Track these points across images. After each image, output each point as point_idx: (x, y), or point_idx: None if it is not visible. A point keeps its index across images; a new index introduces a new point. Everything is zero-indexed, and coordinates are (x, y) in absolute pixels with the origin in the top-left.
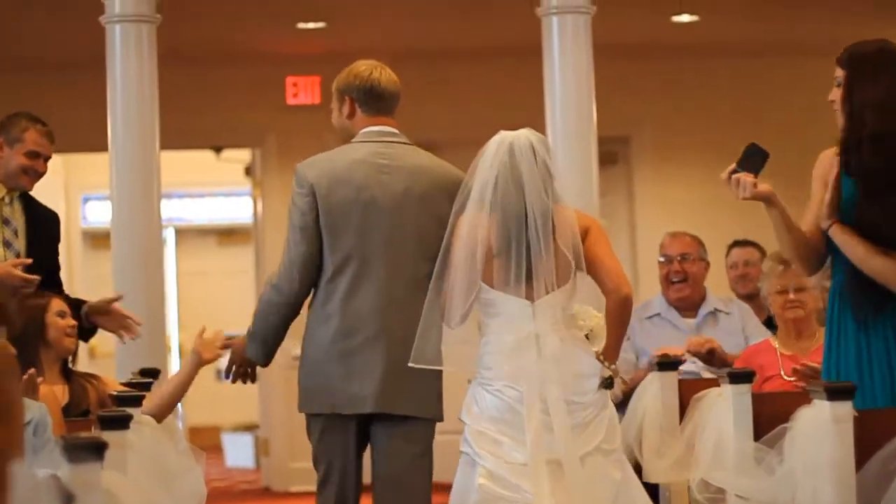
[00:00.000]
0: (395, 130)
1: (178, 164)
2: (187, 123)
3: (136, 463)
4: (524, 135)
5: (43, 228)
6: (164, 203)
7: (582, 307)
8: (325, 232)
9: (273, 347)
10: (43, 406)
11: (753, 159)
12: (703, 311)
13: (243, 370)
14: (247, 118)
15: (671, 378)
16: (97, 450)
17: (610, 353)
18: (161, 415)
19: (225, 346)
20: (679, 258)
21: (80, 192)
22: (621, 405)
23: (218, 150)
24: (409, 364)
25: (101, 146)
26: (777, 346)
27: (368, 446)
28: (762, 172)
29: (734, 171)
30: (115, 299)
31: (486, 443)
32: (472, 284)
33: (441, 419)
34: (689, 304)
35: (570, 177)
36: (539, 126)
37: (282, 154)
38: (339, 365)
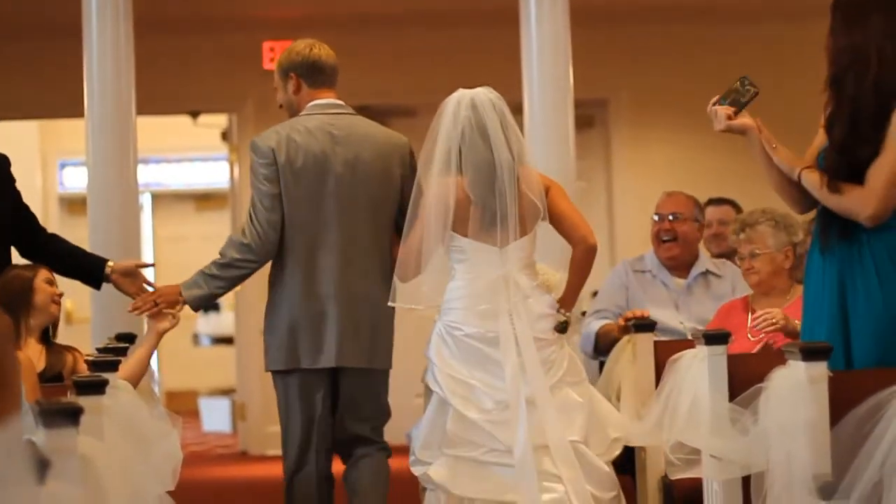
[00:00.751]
0: (341, 102)
1: (154, 129)
2: (164, 89)
3: (112, 428)
4: (482, 91)
5: None
6: (140, 168)
7: (539, 265)
8: (284, 198)
9: (218, 298)
10: None
11: (739, 93)
12: (695, 272)
13: (163, 304)
14: (223, 83)
15: (647, 340)
16: (73, 415)
17: (568, 301)
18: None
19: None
20: (670, 217)
21: (56, 157)
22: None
23: (195, 115)
24: (389, 303)
25: (77, 112)
26: (751, 303)
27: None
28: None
29: (717, 103)
30: (146, 265)
31: (458, 386)
32: (437, 242)
33: (391, 367)
34: (679, 264)
35: (547, 140)
36: (516, 89)
37: (258, 119)
38: (302, 324)
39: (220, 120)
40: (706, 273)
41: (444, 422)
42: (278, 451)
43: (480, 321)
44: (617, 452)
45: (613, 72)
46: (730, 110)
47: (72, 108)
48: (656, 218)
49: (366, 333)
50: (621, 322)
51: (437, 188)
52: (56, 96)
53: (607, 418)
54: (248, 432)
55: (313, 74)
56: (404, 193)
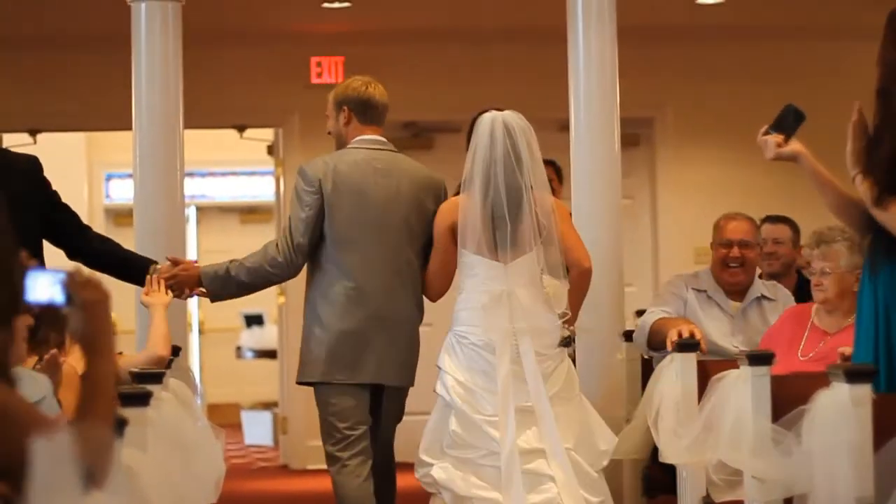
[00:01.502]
0: (384, 139)
1: (201, 142)
2: (211, 102)
3: (155, 439)
4: (511, 115)
5: (8, 180)
6: (186, 181)
7: (545, 277)
8: (329, 223)
9: (235, 296)
10: (48, 382)
11: (788, 121)
12: (750, 297)
13: (178, 287)
14: (270, 98)
15: (690, 360)
16: (118, 427)
17: (570, 319)
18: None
19: (174, 263)
20: (738, 243)
21: (102, 169)
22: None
23: (241, 129)
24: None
25: (124, 124)
26: (813, 316)
27: None
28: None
29: (767, 132)
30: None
31: (462, 391)
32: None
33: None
34: (738, 289)
35: (593, 158)
36: (562, 106)
37: (305, 133)
38: (339, 340)
39: (266, 134)
40: (760, 298)
41: (446, 426)
42: (319, 465)
43: (484, 332)
44: (605, 463)
45: (659, 91)
46: (779, 138)
47: (118, 120)
48: (721, 242)
49: (403, 352)
50: (672, 342)
51: (474, 207)
52: (103, 108)
53: (598, 431)
54: (289, 446)
55: (365, 111)
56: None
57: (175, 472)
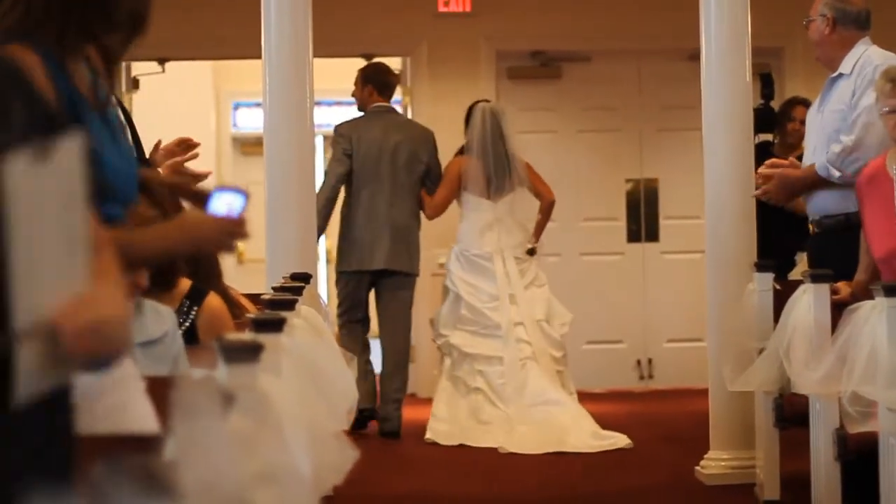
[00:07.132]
0: (392, 106)
1: (328, 71)
2: (339, 32)
3: (289, 366)
4: (495, 104)
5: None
6: (314, 110)
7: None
8: (356, 165)
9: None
10: (173, 316)
11: None
12: (832, 74)
13: None
14: (398, 27)
15: (824, 290)
16: (254, 352)
17: (535, 235)
18: None
19: None
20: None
21: (230, 98)
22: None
23: (369, 58)
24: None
25: (251, 53)
26: (891, 166)
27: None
28: None
29: None
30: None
31: (467, 286)
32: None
33: (418, 274)
34: (826, 66)
35: (723, 88)
36: (693, 36)
37: (432, 62)
38: (363, 240)
39: (394, 63)
40: (840, 76)
41: (456, 310)
42: None
43: (480, 246)
44: (565, 331)
45: (790, 19)
46: None
47: (246, 49)
48: None
49: (404, 248)
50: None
51: (474, 165)
52: (230, 38)
53: (559, 310)
54: (417, 374)
55: (384, 89)
56: (428, 166)
57: (309, 399)
